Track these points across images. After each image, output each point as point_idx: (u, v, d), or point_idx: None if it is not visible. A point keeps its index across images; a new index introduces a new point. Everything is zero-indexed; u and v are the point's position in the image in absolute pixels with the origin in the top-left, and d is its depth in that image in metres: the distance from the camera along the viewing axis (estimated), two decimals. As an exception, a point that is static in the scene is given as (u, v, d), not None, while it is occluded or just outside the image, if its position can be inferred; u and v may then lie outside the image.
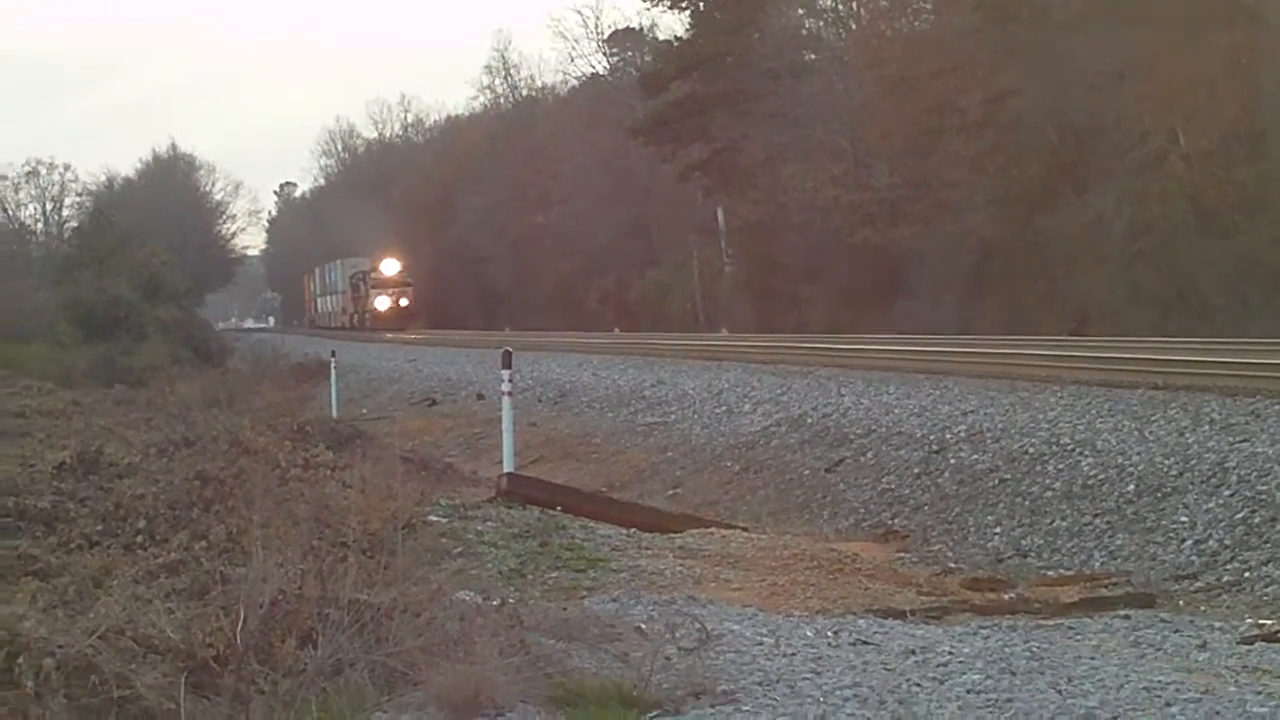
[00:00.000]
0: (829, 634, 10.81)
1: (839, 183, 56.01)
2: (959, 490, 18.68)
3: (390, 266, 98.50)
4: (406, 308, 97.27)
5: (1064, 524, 16.32)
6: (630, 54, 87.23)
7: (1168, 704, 8.81)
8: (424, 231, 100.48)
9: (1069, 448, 18.32)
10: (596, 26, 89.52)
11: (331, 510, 12.49)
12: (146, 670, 7.86)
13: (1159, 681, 9.36)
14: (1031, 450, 18.74)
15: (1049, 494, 17.24)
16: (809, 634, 10.77)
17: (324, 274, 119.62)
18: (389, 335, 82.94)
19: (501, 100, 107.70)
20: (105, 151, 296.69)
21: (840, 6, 65.24)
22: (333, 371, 41.41)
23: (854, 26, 63.97)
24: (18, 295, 57.36)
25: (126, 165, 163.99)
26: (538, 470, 24.65)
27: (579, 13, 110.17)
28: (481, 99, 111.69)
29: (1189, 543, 14.54)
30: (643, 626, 10.35)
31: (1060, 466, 17.82)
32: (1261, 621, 11.78)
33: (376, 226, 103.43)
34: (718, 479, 23.65)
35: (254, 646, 8.21)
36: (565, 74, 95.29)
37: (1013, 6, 47.81)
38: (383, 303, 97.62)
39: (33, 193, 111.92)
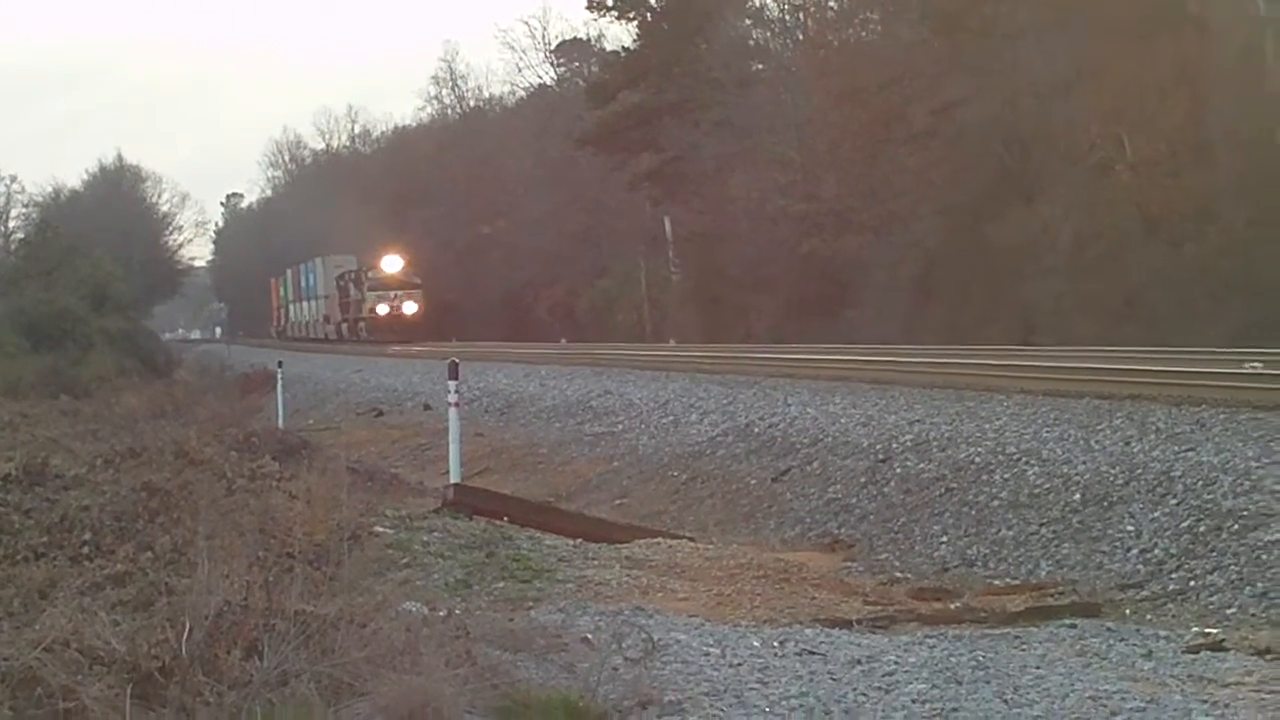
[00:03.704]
0: (775, 644, 10.84)
1: (786, 193, 56.31)
2: (905, 500, 18.68)
3: (392, 264, 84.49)
4: (414, 314, 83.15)
5: (1010, 533, 16.35)
6: (578, 64, 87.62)
7: (1113, 713, 8.89)
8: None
9: (1015, 457, 18.36)
10: (544, 37, 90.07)
11: (277, 521, 12.42)
12: (92, 682, 7.81)
13: (1104, 690, 9.43)
14: (978, 460, 18.77)
15: (995, 503, 17.27)
16: (755, 644, 10.80)
17: (298, 276, 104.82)
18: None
19: (449, 111, 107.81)
20: (51, 163, 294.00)
21: (788, 17, 65.49)
22: (279, 382, 41.15)
23: (801, 37, 64.19)
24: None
25: (73, 177, 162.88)
26: (484, 481, 24.55)
27: (526, 23, 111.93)
28: (429, 110, 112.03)
29: (1135, 552, 14.59)
30: (589, 637, 10.35)
31: (1006, 476, 17.84)
32: (1206, 630, 11.85)
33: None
34: (665, 489, 23.61)
35: (199, 658, 8.17)
36: (513, 85, 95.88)
37: (959, 17, 48.02)
38: (383, 308, 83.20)
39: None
